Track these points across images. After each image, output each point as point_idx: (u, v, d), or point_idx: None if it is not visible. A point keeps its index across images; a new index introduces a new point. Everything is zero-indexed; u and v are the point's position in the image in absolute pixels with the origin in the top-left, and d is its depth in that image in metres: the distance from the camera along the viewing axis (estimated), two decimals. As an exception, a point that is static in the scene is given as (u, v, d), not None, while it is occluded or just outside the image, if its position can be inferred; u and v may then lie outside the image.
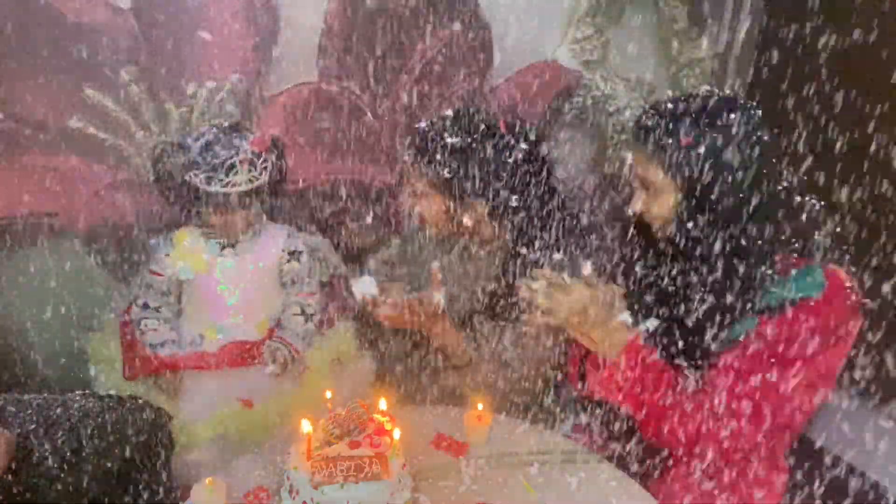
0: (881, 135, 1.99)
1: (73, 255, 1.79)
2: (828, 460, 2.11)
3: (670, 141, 1.23)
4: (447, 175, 1.47)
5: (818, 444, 2.14)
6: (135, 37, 1.66)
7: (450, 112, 1.54)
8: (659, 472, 1.37)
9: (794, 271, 1.24)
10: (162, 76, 1.72)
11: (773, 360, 1.20)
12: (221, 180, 1.45)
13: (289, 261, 1.64)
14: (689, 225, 1.25)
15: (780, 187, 1.25)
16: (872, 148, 2.01)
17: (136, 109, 1.72)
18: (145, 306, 1.60)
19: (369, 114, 1.95)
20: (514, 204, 1.51)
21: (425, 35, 1.93)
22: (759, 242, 1.23)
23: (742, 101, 1.26)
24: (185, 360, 1.57)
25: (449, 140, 1.47)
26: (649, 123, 1.26)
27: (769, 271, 1.23)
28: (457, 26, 1.95)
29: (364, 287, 1.49)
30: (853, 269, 1.27)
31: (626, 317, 1.27)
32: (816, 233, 1.28)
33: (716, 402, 1.22)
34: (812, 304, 1.20)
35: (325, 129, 1.92)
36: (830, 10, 2.10)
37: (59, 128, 1.68)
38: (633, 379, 1.25)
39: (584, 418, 1.59)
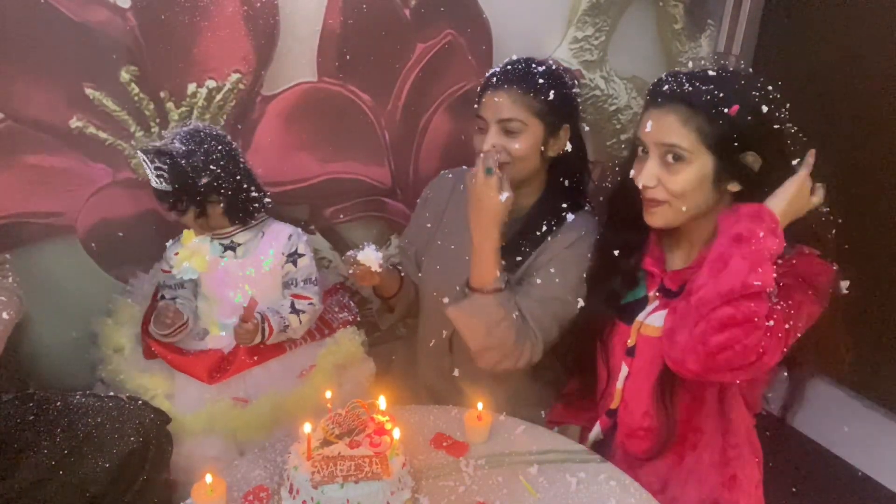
0: (880, 134, 2.00)
1: (74, 255, 1.79)
2: (808, 448, 2.12)
3: (719, 107, 1.17)
4: (551, 98, 1.51)
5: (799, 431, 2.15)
6: (135, 37, 1.66)
7: (514, 56, 1.59)
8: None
9: None
10: (162, 76, 1.72)
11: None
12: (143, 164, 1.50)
13: (286, 262, 1.65)
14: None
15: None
16: (871, 148, 2.02)
17: (136, 109, 1.72)
18: (163, 298, 1.64)
19: (369, 113, 1.95)
20: (587, 129, 1.66)
21: (425, 34, 1.93)
22: None
23: (767, 80, 1.23)
24: (184, 364, 1.59)
25: (540, 68, 1.53)
26: (688, 87, 1.19)
27: None
28: (456, 25, 1.95)
29: (369, 257, 1.48)
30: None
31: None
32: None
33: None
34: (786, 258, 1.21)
35: (324, 129, 1.92)
36: (830, 10, 2.10)
37: (59, 128, 1.68)
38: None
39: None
